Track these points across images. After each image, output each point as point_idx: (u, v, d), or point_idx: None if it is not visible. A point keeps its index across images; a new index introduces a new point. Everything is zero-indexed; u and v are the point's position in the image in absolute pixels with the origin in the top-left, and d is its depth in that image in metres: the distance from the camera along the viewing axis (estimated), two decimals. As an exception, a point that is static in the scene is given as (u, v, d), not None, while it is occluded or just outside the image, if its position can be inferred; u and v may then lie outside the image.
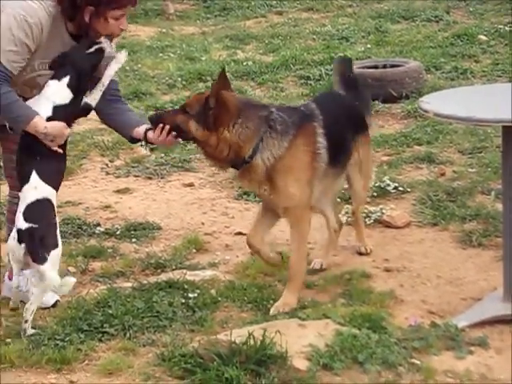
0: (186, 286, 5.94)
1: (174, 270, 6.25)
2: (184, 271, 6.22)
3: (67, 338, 5.31)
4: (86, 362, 5.14)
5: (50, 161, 5.50)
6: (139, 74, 10.87)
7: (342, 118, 6.19)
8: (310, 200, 5.85)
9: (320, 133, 5.82)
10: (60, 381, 4.99)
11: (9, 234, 5.77)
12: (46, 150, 5.43)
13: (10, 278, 5.82)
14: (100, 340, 5.33)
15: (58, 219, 5.48)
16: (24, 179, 5.43)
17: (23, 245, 5.31)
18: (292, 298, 5.72)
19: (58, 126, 5.36)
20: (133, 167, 8.35)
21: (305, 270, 5.90)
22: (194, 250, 6.61)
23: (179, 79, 10.62)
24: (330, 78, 10.14)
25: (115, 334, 5.37)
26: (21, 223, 5.34)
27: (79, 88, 5.49)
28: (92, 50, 5.44)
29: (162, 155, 8.50)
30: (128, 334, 5.37)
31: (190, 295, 5.82)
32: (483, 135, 8.22)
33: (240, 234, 6.73)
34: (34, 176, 5.39)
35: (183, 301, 5.76)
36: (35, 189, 5.41)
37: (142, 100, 10.08)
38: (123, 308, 5.54)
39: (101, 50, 5.48)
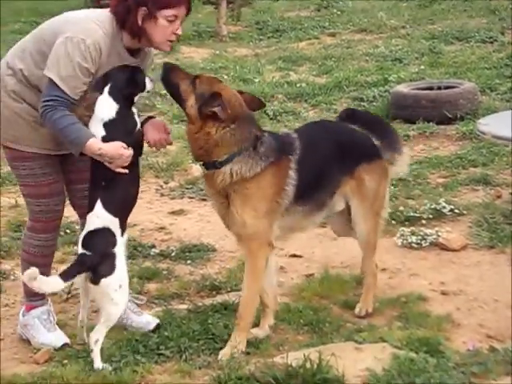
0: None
1: (229, 291, 6.25)
2: (239, 293, 6.20)
3: (123, 360, 5.33)
4: (143, 383, 5.16)
5: (115, 187, 5.44)
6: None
7: (327, 151, 5.86)
8: (268, 235, 5.59)
9: (293, 166, 5.59)
10: (117, 403, 5.02)
11: None
12: (112, 174, 5.35)
13: None
14: (156, 362, 5.33)
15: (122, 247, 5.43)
16: (90, 206, 5.41)
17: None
18: (240, 340, 5.51)
19: (113, 146, 5.22)
20: (187, 189, 8.36)
21: (254, 311, 5.64)
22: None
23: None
24: (384, 99, 10.14)
25: (171, 356, 5.38)
26: (79, 249, 5.38)
27: (122, 96, 5.37)
28: (135, 73, 5.43)
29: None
30: (184, 356, 5.37)
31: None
32: (540, 157, 8.14)
33: (294, 256, 6.71)
34: (98, 204, 5.38)
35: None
36: (97, 217, 5.40)
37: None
38: (179, 330, 5.55)
39: (140, 72, 5.49)
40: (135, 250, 6.71)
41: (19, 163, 5.60)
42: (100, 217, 5.38)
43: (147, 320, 5.78)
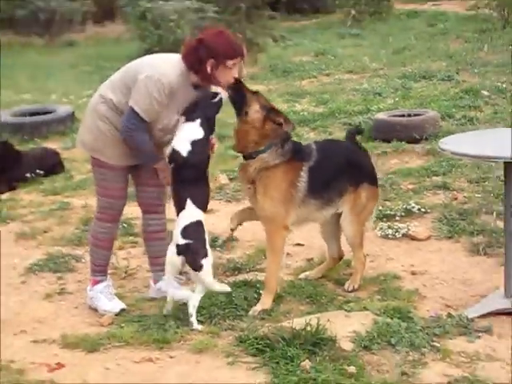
0: (257, 285, 5.98)
1: (247, 272, 6.33)
2: (256, 273, 6.27)
3: (168, 324, 5.37)
4: (182, 342, 5.22)
5: (199, 189, 5.60)
6: (221, 121, 10.89)
7: (339, 162, 5.99)
8: (284, 220, 5.73)
9: (305, 168, 5.74)
10: (162, 356, 5.05)
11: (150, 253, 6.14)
12: (197, 181, 5.57)
13: (155, 283, 6.02)
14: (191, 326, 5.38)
15: (206, 234, 5.56)
16: (181, 206, 5.52)
17: (181, 257, 5.43)
18: (267, 301, 5.69)
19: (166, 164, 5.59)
20: (216, 193, 8.37)
21: (277, 279, 5.82)
22: (263, 257, 6.59)
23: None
24: (367, 124, 10.18)
25: (204, 321, 5.45)
26: (180, 240, 5.44)
27: (208, 128, 5.59)
28: (216, 99, 5.59)
29: (239, 184, 8.51)
30: (213, 321, 5.46)
31: (261, 292, 5.84)
32: (487, 168, 8.19)
33: (298, 244, 6.72)
34: (189, 203, 5.50)
35: (255, 296, 5.80)
36: (190, 213, 5.52)
37: (223, 142, 10.11)
38: (209, 301, 5.61)
39: (221, 100, 5.63)
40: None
41: (98, 169, 5.81)
42: (193, 213, 5.51)
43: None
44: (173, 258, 5.49)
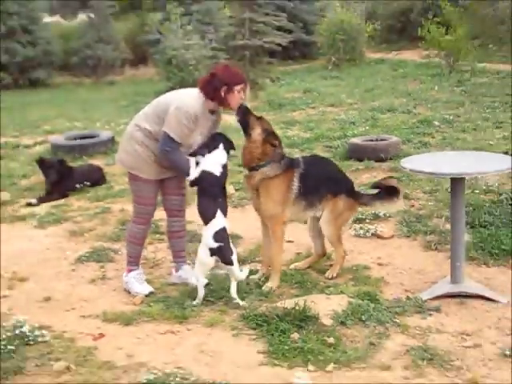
0: (256, 273, 5.97)
1: (250, 263, 6.25)
2: (256, 264, 6.24)
3: (186, 304, 5.39)
4: (197, 318, 5.23)
5: (224, 201, 5.60)
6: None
7: (323, 173, 5.98)
8: (283, 216, 5.77)
9: (297, 175, 5.77)
10: (181, 329, 5.08)
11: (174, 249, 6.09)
12: (223, 195, 5.60)
13: (176, 271, 6.02)
14: (205, 305, 5.41)
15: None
16: (210, 216, 5.49)
17: (214, 257, 5.40)
18: (275, 279, 5.74)
19: None
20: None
21: (281, 260, 5.88)
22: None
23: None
24: (344, 147, 10.18)
25: (215, 302, 5.45)
26: (212, 244, 5.40)
27: (227, 153, 5.67)
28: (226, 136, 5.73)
29: (245, 192, 8.49)
30: (222, 302, 5.44)
31: (260, 278, 5.85)
32: (437, 182, 8.16)
33: (289, 241, 6.67)
34: (219, 213, 5.49)
35: (255, 282, 5.78)
36: (219, 221, 5.49)
37: (231, 160, 10.05)
38: (219, 286, 5.61)
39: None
40: (193, 238, 6.65)
41: (134, 182, 5.84)
42: (222, 220, 5.49)
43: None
44: (207, 259, 5.44)
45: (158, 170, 5.72)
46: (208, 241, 5.44)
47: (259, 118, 5.80)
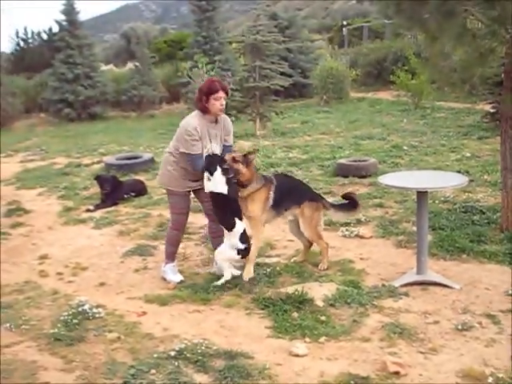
0: (264, 266, 5.94)
1: (258, 257, 6.19)
2: (264, 258, 6.21)
3: (210, 289, 5.39)
4: (218, 300, 5.21)
5: (238, 208, 5.53)
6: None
7: (288, 187, 5.85)
8: (261, 220, 5.66)
9: (272, 189, 5.66)
10: (205, 309, 5.12)
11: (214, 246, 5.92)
12: (235, 203, 5.52)
13: (216, 264, 5.80)
14: (225, 290, 5.40)
15: None
16: (231, 224, 5.45)
17: (239, 256, 5.47)
18: (249, 269, 5.58)
19: None
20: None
21: (255, 256, 5.70)
22: (269, 248, 6.58)
23: (262, 166, 10.60)
24: (333, 166, 10.12)
25: (232, 288, 5.43)
26: (240, 245, 5.45)
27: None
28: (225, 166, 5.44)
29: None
30: (237, 288, 5.43)
31: (267, 269, 5.81)
32: (406, 194, 8.12)
33: (291, 240, 6.67)
34: (238, 221, 5.46)
35: (263, 272, 5.75)
36: (238, 227, 5.45)
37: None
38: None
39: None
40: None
41: (170, 196, 5.79)
42: (240, 225, 5.47)
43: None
44: (234, 258, 5.48)
45: (186, 183, 5.64)
46: (238, 244, 5.43)
47: (236, 160, 5.52)
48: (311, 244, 6.17)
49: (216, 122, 5.56)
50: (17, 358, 4.40)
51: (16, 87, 22.35)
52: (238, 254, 5.44)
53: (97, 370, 4.17)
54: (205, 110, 5.44)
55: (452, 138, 12.46)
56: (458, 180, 5.44)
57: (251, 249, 5.63)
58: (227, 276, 5.46)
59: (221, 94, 5.38)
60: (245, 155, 5.58)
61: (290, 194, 5.82)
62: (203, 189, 5.58)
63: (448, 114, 16.16)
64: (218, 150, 5.55)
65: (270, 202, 5.67)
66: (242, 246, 5.43)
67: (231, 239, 5.48)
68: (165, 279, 5.84)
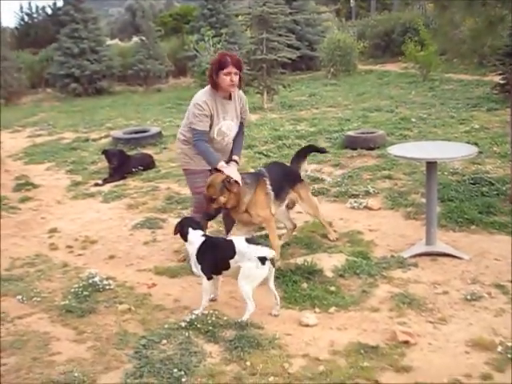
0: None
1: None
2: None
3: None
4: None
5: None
6: (250, 136, 10.79)
7: (281, 176, 5.54)
8: (271, 217, 5.28)
9: (268, 182, 5.29)
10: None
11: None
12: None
13: None
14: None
15: None
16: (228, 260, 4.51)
17: (265, 265, 4.30)
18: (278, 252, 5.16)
19: (230, 170, 5.07)
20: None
21: (278, 242, 5.37)
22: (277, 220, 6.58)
23: (269, 139, 10.60)
24: (341, 138, 10.06)
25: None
26: (255, 254, 4.33)
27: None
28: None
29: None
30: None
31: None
32: (415, 166, 8.09)
33: (299, 212, 6.62)
34: (236, 242, 4.51)
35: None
36: (239, 244, 4.45)
37: (252, 148, 10.01)
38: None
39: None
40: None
41: (188, 176, 5.52)
42: (239, 243, 4.46)
43: None
44: (262, 273, 4.34)
45: (203, 161, 5.31)
46: (252, 258, 4.31)
47: (212, 199, 5.01)
48: (295, 226, 6.01)
49: (230, 98, 5.26)
50: (29, 329, 4.46)
51: (21, 62, 22.30)
52: (263, 263, 4.32)
53: (108, 341, 4.21)
54: (216, 86, 5.14)
55: (461, 109, 12.35)
56: (467, 151, 5.41)
57: (271, 240, 5.25)
58: (250, 308, 4.31)
59: (231, 69, 5.06)
60: (221, 188, 4.99)
61: (284, 180, 5.60)
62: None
63: (457, 85, 16.01)
64: (233, 128, 5.34)
65: (272, 195, 5.34)
66: (258, 254, 4.34)
67: (241, 264, 4.39)
68: (177, 251, 5.85)
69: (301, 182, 5.81)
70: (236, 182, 5.02)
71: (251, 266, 4.27)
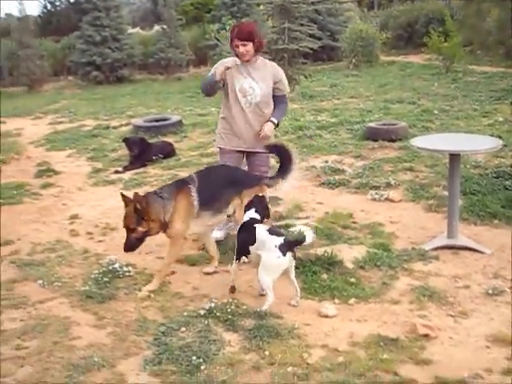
0: (293, 226, 5.91)
1: (288, 219, 6.22)
2: (293, 220, 6.21)
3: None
4: (248, 260, 5.14)
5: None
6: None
7: (220, 178, 5.02)
8: (184, 232, 4.83)
9: (193, 190, 4.82)
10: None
11: None
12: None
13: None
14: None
15: None
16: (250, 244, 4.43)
17: (285, 255, 4.23)
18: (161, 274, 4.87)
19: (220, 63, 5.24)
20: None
21: (168, 267, 4.96)
22: (298, 210, 6.56)
23: (290, 129, 10.55)
24: (363, 130, 9.97)
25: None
26: (275, 242, 4.26)
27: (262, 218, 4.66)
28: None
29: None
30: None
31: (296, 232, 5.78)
32: (437, 158, 8.01)
33: (320, 203, 6.65)
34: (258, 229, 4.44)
35: (293, 234, 5.73)
36: (261, 231, 4.40)
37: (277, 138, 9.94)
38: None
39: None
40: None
41: (220, 155, 5.65)
42: (262, 230, 4.40)
43: None
44: (283, 263, 4.26)
45: (233, 141, 5.46)
46: (272, 247, 4.23)
47: (132, 229, 4.73)
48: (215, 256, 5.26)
49: (256, 65, 5.35)
50: (50, 313, 4.50)
51: (44, 50, 22.38)
52: (283, 253, 4.21)
53: (128, 327, 4.24)
54: (234, 52, 5.35)
55: (484, 102, 12.19)
56: (491, 143, 5.35)
57: (161, 267, 4.87)
58: (270, 299, 4.26)
59: (237, 41, 5.25)
60: (136, 219, 4.70)
61: (226, 186, 4.99)
62: (257, 156, 5.47)
63: (480, 77, 15.79)
64: (257, 90, 5.31)
65: (196, 206, 4.83)
66: (279, 240, 4.26)
67: (261, 252, 4.31)
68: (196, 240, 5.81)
69: (250, 188, 5.01)
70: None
71: (271, 257, 4.21)
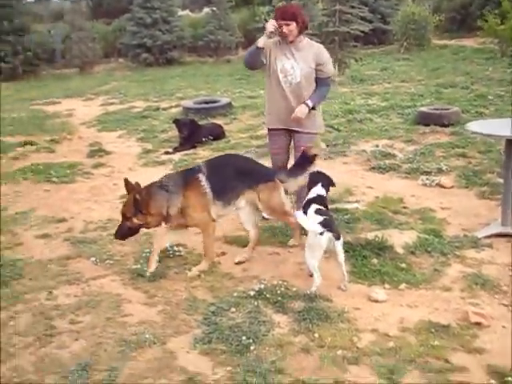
0: (343, 211, 5.89)
1: (337, 203, 6.17)
2: (343, 204, 6.17)
3: (288, 231, 5.28)
4: (298, 243, 5.12)
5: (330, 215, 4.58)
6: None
7: (230, 172, 4.84)
8: (208, 218, 4.75)
9: (202, 179, 4.71)
10: (284, 251, 5.04)
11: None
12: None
13: None
14: (304, 234, 5.16)
15: None
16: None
17: (322, 233, 4.21)
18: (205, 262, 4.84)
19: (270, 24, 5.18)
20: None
21: (213, 253, 4.91)
22: (348, 194, 6.51)
23: (340, 113, 10.46)
24: (414, 114, 9.80)
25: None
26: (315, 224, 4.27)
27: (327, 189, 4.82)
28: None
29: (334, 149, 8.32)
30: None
31: (346, 216, 5.75)
32: (490, 144, 7.83)
33: (370, 187, 6.58)
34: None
35: (343, 218, 5.71)
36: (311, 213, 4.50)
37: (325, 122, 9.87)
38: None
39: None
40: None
41: (268, 137, 5.66)
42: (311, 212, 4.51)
43: None
44: (321, 242, 4.24)
45: (275, 119, 5.42)
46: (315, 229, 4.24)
47: (128, 217, 4.66)
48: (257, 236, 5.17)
49: (298, 47, 5.27)
50: (102, 290, 4.60)
51: (96, 32, 22.70)
52: (321, 233, 4.22)
53: (178, 306, 4.29)
54: (279, 35, 5.27)
55: (542, 87, 11.83)
56: (551, 129, 5.19)
57: (205, 246, 4.83)
58: (317, 280, 4.28)
59: (279, 21, 5.17)
60: (134, 210, 4.62)
61: (237, 177, 4.87)
62: (302, 135, 5.36)
63: (538, 62, 15.33)
64: (297, 70, 5.23)
65: (209, 193, 4.74)
66: (318, 219, 4.30)
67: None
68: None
69: (265, 182, 4.90)
70: None
71: (311, 236, 4.29)
